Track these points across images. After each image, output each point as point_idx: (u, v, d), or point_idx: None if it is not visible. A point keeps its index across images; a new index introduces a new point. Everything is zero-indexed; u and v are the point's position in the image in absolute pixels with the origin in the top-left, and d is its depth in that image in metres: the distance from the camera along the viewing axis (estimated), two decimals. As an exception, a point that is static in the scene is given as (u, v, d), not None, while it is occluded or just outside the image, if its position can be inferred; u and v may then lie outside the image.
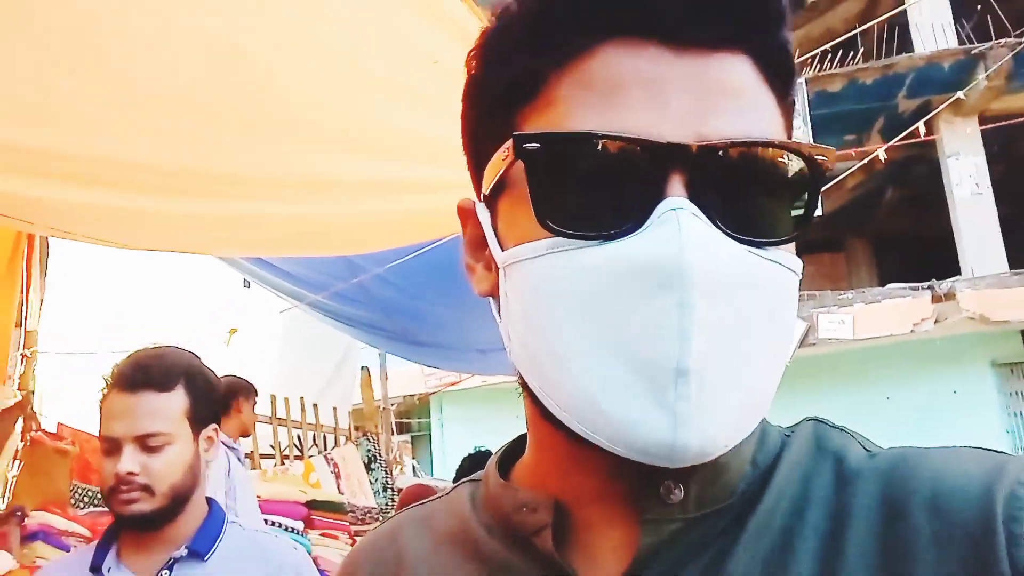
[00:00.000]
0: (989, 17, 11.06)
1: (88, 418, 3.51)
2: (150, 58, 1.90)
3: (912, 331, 9.82)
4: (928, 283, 10.09)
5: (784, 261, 0.52)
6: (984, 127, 11.10)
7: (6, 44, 1.72)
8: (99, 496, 4.04)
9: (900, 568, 0.49)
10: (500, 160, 0.55)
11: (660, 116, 0.50)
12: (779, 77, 0.55)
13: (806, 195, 0.53)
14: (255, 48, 1.99)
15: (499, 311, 0.58)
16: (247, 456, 4.12)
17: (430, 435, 13.24)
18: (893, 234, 14.57)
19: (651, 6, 0.51)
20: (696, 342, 0.47)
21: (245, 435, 3.55)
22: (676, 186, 0.49)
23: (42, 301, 3.21)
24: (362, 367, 6.19)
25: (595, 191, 0.51)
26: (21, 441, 2.94)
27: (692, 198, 0.49)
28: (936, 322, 9.78)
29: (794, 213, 0.53)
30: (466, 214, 0.62)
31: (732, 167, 0.50)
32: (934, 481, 0.52)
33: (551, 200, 0.51)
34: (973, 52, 10.54)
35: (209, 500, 1.70)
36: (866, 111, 11.83)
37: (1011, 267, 10.49)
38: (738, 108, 0.51)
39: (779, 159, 0.52)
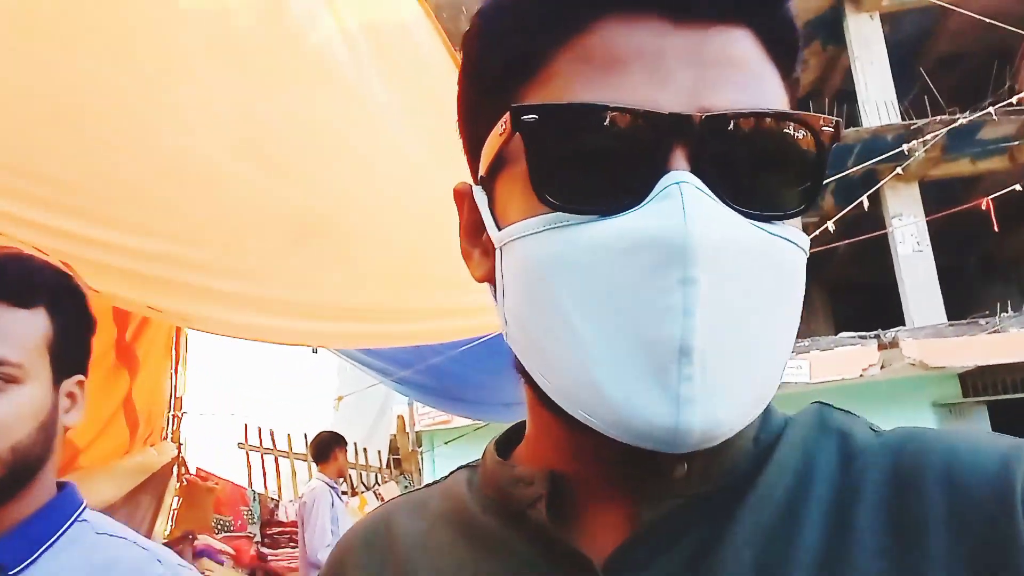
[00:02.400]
0: (926, 97, 12.42)
1: (218, 465, 4.47)
2: (264, 196, 2.36)
3: (861, 375, 10.95)
4: (875, 332, 11.26)
5: (791, 236, 0.50)
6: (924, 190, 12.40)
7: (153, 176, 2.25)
8: (232, 524, 4.86)
9: (913, 542, 0.48)
10: (497, 136, 0.53)
11: (661, 89, 0.48)
12: (783, 52, 0.53)
13: (812, 167, 0.50)
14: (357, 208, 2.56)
15: (496, 294, 0.56)
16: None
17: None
18: (846, 282, 15.83)
19: None
20: (700, 320, 0.45)
21: (341, 476, 4.52)
22: (679, 159, 0.47)
23: (185, 372, 4.14)
24: (398, 415, 7.15)
25: (595, 164, 0.49)
26: (178, 482, 3.87)
27: (695, 171, 0.47)
28: (882, 367, 10.94)
29: (800, 186, 0.50)
30: (462, 197, 0.60)
31: (735, 139, 0.48)
32: (948, 456, 0.50)
33: (549, 174, 0.49)
34: (912, 127, 11.84)
35: (63, 484, 1.16)
36: (819, 175, 13.08)
37: (949, 318, 11.73)
38: (741, 81, 0.50)
39: (784, 130, 0.49)
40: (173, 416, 4.03)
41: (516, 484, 0.57)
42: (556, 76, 0.51)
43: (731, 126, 0.48)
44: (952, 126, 11.51)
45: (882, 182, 10.34)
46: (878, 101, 12.70)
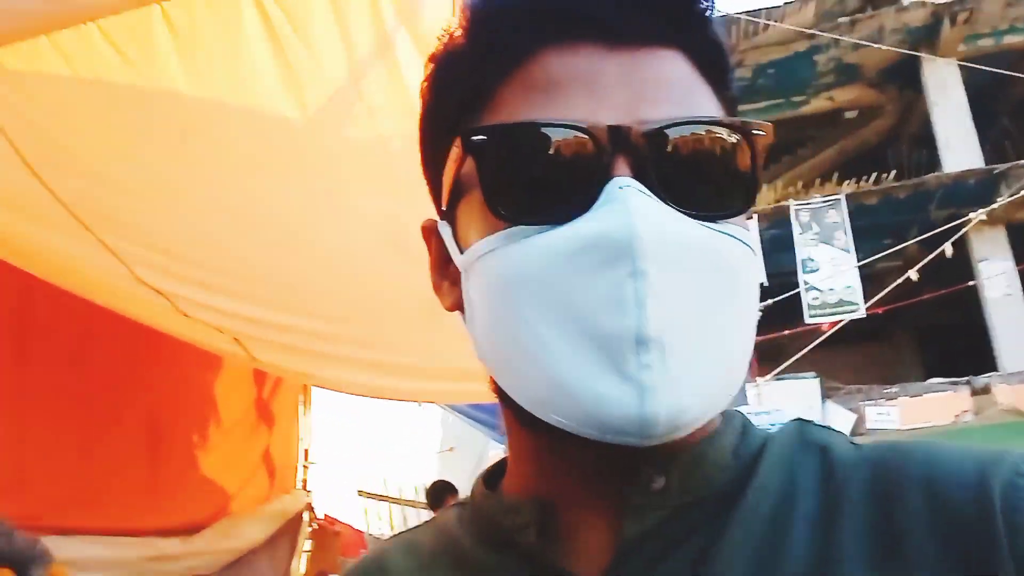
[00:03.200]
0: (1007, 141, 12.38)
1: (338, 511, 4.94)
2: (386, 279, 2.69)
3: (954, 422, 10.84)
4: (966, 378, 11.14)
5: (735, 233, 0.53)
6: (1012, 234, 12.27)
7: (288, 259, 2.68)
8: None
9: (898, 551, 0.48)
10: (452, 163, 0.57)
11: (598, 106, 0.52)
12: (713, 71, 0.57)
13: (748, 169, 0.54)
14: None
15: (466, 319, 0.59)
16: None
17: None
18: (935, 327, 15.59)
19: (584, 11, 0.54)
20: (652, 309, 0.47)
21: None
22: (621, 167, 0.51)
23: (311, 426, 4.64)
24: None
25: (542, 178, 0.52)
26: (309, 527, 4.32)
27: (637, 177, 0.50)
28: (976, 413, 10.81)
29: (738, 187, 0.54)
30: (429, 233, 0.64)
31: (673, 146, 0.51)
32: (928, 466, 0.52)
33: (501, 189, 0.52)
34: (995, 172, 11.81)
35: None
36: (902, 220, 13.11)
37: (1042, 364, 11.53)
38: (674, 97, 0.54)
39: (718, 135, 0.53)
40: (303, 466, 4.51)
41: (505, 513, 0.59)
42: (502, 105, 0.55)
43: (666, 134, 0.51)
44: (1037, 169, 11.53)
45: (966, 227, 10.33)
46: (958, 146, 12.68)
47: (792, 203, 12.52)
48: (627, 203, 0.48)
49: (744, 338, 0.53)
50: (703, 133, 0.52)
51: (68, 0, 1.95)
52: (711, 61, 0.57)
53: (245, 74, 2.18)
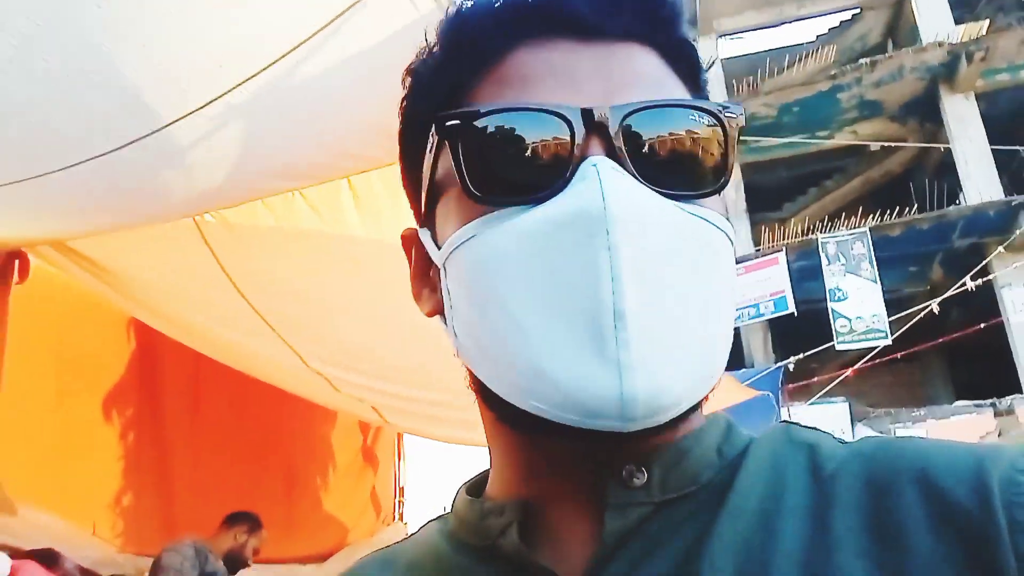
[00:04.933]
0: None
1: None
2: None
3: (979, 443, 11.38)
4: (991, 401, 11.69)
5: (709, 217, 0.52)
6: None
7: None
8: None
9: (894, 544, 0.47)
10: (429, 155, 0.56)
11: (572, 95, 0.52)
12: (685, 68, 0.57)
13: (718, 151, 0.53)
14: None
15: (445, 321, 0.57)
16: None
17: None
18: (963, 350, 16.07)
19: (558, 8, 0.54)
20: (627, 284, 0.46)
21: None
22: (595, 147, 0.50)
23: (405, 468, 5.41)
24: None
25: (517, 161, 0.51)
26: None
27: (611, 157, 0.50)
28: (999, 435, 11.35)
29: (709, 168, 0.53)
30: (409, 241, 0.63)
31: (645, 128, 0.51)
32: (922, 459, 0.50)
33: (477, 173, 0.51)
34: (1014, 203, 12.39)
35: None
36: (926, 250, 13.72)
37: (1066, 384, 12.04)
38: (645, 86, 0.53)
39: (690, 117, 0.53)
40: (399, 502, 5.28)
41: (487, 516, 0.57)
42: (478, 100, 0.54)
43: (639, 115, 0.51)
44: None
45: (989, 256, 10.91)
46: (977, 178, 13.27)
47: (819, 236, 13.17)
48: (599, 179, 0.48)
49: (722, 323, 0.52)
50: (675, 114, 0.53)
51: (284, 178, 2.74)
52: (682, 59, 0.58)
53: (403, 220, 2.96)
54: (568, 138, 0.50)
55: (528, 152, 0.51)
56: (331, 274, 3.10)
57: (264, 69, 1.88)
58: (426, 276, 0.60)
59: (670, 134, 0.52)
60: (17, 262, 3.28)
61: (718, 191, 0.54)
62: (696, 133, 0.53)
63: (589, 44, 0.54)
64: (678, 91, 0.56)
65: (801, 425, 0.59)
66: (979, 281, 10.20)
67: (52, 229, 2.87)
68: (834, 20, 17.21)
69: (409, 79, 0.61)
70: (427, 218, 0.59)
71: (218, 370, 3.69)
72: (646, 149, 0.51)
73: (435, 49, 0.59)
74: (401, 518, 5.27)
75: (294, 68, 1.92)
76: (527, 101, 0.52)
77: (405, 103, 0.61)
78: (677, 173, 0.52)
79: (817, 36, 17.55)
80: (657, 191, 0.50)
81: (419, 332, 3.36)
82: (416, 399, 3.73)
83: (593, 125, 0.51)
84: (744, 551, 0.49)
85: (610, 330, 0.46)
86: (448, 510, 0.64)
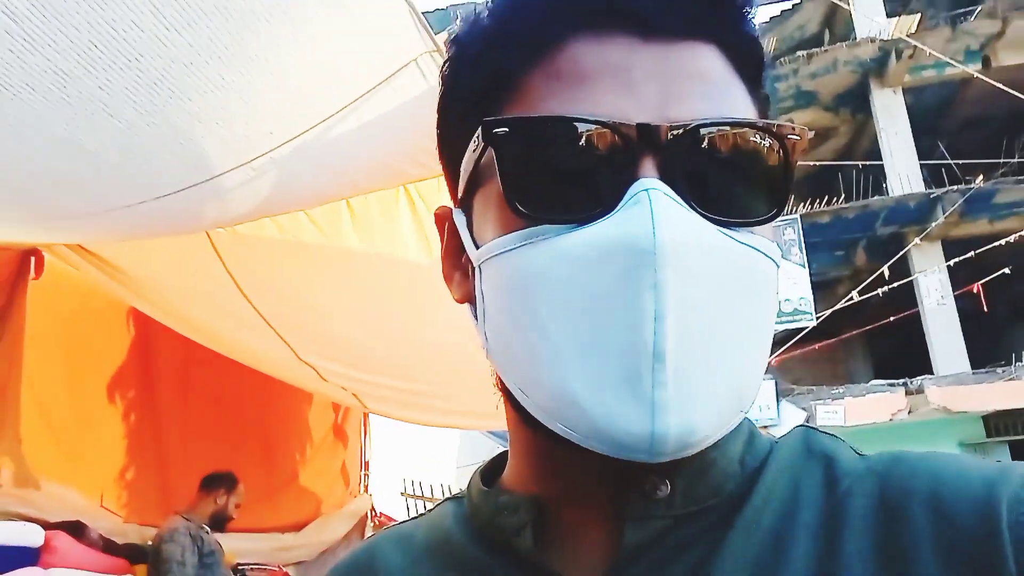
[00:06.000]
0: (944, 168, 13.83)
1: (390, 509, 6.18)
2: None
3: (891, 419, 12.27)
4: (903, 380, 12.57)
5: (760, 246, 0.50)
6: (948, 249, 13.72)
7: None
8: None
9: (901, 567, 0.47)
10: (471, 153, 0.53)
11: (628, 101, 0.49)
12: (749, 67, 0.54)
13: (779, 176, 0.51)
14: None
15: (475, 313, 0.55)
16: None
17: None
18: (882, 331, 17.08)
19: (619, 0, 0.51)
20: (671, 324, 0.44)
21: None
22: (648, 167, 0.48)
23: (371, 444, 5.82)
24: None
25: (565, 176, 0.49)
26: (372, 522, 5.51)
27: (664, 179, 0.47)
28: (910, 412, 12.25)
29: (767, 194, 0.51)
30: (442, 221, 0.60)
31: (702, 147, 0.49)
32: (933, 481, 0.50)
33: (521, 186, 0.49)
34: (932, 196, 13.24)
35: None
36: (851, 237, 14.56)
37: (972, 366, 13.01)
38: (706, 92, 0.50)
39: (749, 138, 0.50)
40: (365, 475, 5.71)
41: (501, 512, 0.56)
42: (528, 93, 0.52)
43: (697, 135, 0.48)
44: (968, 195, 12.95)
45: (908, 246, 11.70)
46: (901, 169, 14.10)
47: (753, 221, 13.82)
48: (651, 207, 0.45)
49: (760, 356, 0.50)
50: (735, 135, 0.49)
51: (299, 204, 3.12)
52: (746, 57, 0.54)
53: (395, 236, 3.35)
54: (621, 156, 0.48)
55: (578, 167, 0.49)
56: (328, 281, 3.48)
57: (305, 132, 2.27)
58: (458, 260, 0.58)
59: (730, 156, 0.50)
60: (33, 259, 3.60)
61: (774, 218, 0.51)
62: (757, 156, 0.50)
63: (648, 41, 0.51)
64: (741, 97, 0.53)
65: (820, 431, 0.58)
66: (896, 272, 10.99)
67: (77, 237, 3.20)
68: (775, 9, 17.84)
69: (454, 48, 0.57)
70: (464, 201, 0.57)
71: (206, 357, 4.05)
72: (702, 171, 0.49)
73: (483, 19, 0.55)
74: (367, 489, 5.70)
75: (329, 129, 2.31)
76: (580, 109, 0.49)
77: (447, 72, 0.58)
78: (733, 198, 0.50)
79: (758, 25, 18.12)
80: (710, 218, 0.48)
81: (405, 333, 3.80)
82: (397, 388, 4.16)
83: (649, 142, 0.48)
84: (754, 568, 0.49)
85: (648, 370, 0.44)
86: (463, 492, 0.64)
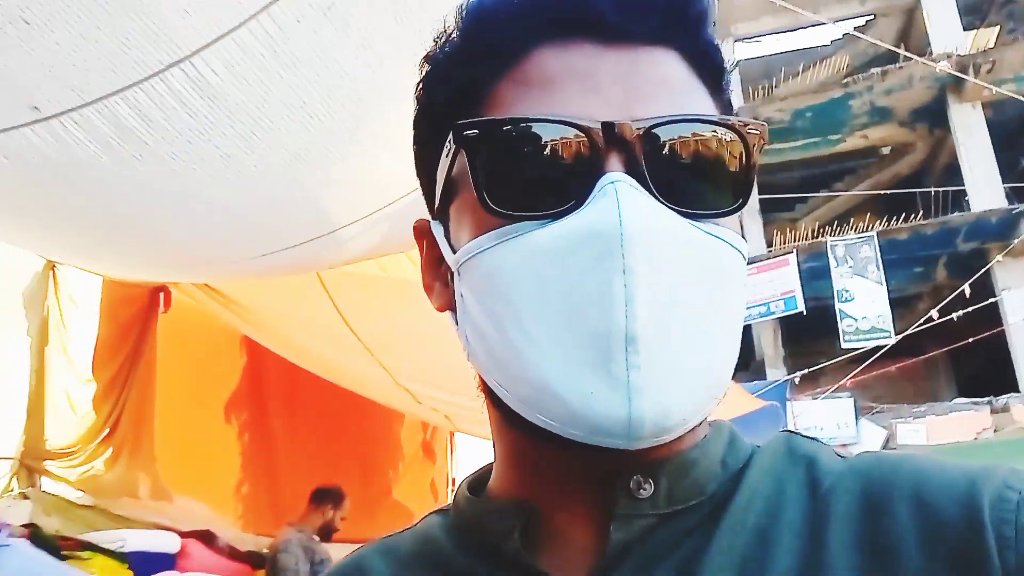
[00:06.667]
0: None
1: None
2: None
3: (976, 438, 12.03)
4: (987, 398, 12.33)
5: (725, 236, 0.51)
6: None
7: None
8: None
9: (885, 561, 0.48)
10: (445, 159, 0.55)
11: (594, 102, 0.51)
12: (709, 72, 0.56)
13: (741, 169, 0.52)
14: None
15: (457, 320, 0.57)
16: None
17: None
18: (966, 349, 16.67)
19: (581, 9, 0.52)
20: (641, 307, 0.46)
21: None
22: (614, 163, 0.49)
23: (455, 460, 6.17)
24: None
25: (536, 174, 0.51)
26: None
27: (630, 174, 0.49)
28: (995, 431, 11.99)
29: (730, 187, 0.52)
30: (421, 233, 0.62)
31: (666, 143, 0.50)
32: (916, 477, 0.51)
33: (494, 186, 0.51)
34: (1015, 211, 13.00)
35: None
36: (930, 253, 14.36)
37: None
38: (669, 95, 0.52)
39: (711, 133, 0.52)
40: (451, 490, 6.04)
41: (489, 518, 0.57)
42: (497, 101, 0.54)
43: (661, 131, 0.50)
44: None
45: (990, 263, 11.52)
46: (983, 185, 13.86)
47: (828, 240, 13.82)
48: (617, 197, 0.47)
49: (730, 343, 0.52)
50: (697, 131, 0.51)
51: (401, 247, 3.45)
52: (706, 62, 0.56)
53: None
54: (588, 153, 0.50)
55: (546, 165, 0.50)
56: (424, 312, 3.82)
57: (415, 190, 2.60)
58: (438, 269, 0.60)
59: (692, 151, 0.51)
60: (162, 295, 4.05)
61: (737, 210, 0.53)
62: (719, 151, 0.52)
63: (612, 47, 0.53)
64: (702, 100, 0.55)
65: (802, 435, 0.60)
66: (978, 288, 10.82)
67: (209, 278, 3.61)
68: (848, 26, 17.74)
69: (427, 66, 0.59)
70: (440, 212, 0.58)
71: (310, 382, 4.44)
72: (666, 165, 0.50)
73: (453, 37, 0.58)
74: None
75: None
76: (547, 110, 0.51)
77: (421, 89, 0.60)
78: (697, 191, 0.51)
79: (832, 41, 18.07)
80: (676, 210, 0.50)
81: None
82: (482, 409, 4.49)
83: (614, 139, 0.50)
84: (740, 567, 0.50)
85: (621, 352, 0.46)
86: (448, 505, 0.64)
